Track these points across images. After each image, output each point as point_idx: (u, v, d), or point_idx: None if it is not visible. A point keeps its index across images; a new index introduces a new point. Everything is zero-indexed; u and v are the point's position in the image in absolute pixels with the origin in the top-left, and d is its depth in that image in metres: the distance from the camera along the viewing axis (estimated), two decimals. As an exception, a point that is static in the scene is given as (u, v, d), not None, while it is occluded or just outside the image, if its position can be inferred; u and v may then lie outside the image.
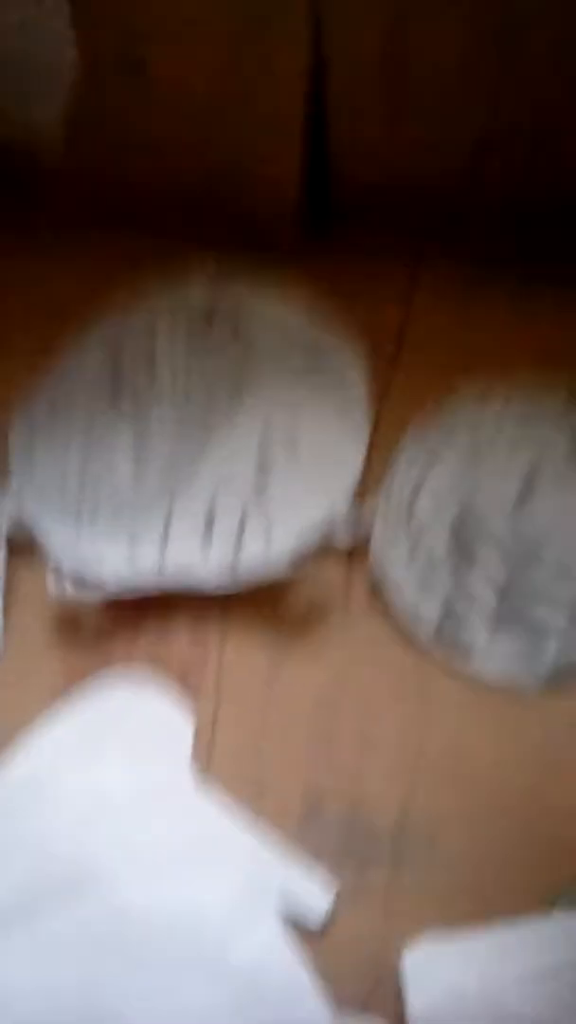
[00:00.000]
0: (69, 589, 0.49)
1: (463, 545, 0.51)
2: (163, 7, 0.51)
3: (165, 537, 0.52)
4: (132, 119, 0.55)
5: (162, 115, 0.55)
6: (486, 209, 0.57)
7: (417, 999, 0.44)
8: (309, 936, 0.46)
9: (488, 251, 0.57)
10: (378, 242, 0.57)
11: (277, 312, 0.55)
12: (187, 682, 0.50)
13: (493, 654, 0.49)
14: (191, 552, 0.51)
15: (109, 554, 0.51)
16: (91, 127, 0.56)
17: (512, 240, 0.57)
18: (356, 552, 0.51)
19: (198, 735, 0.48)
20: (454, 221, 0.57)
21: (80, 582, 0.50)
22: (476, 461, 0.52)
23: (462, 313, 0.56)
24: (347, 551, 0.51)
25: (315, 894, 0.46)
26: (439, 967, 0.45)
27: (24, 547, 0.52)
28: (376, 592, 0.51)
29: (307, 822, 0.47)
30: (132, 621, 0.51)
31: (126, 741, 0.48)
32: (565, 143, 0.54)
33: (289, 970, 0.45)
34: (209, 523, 0.52)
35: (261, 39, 0.51)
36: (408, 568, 0.50)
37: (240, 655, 0.50)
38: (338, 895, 0.46)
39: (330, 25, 0.50)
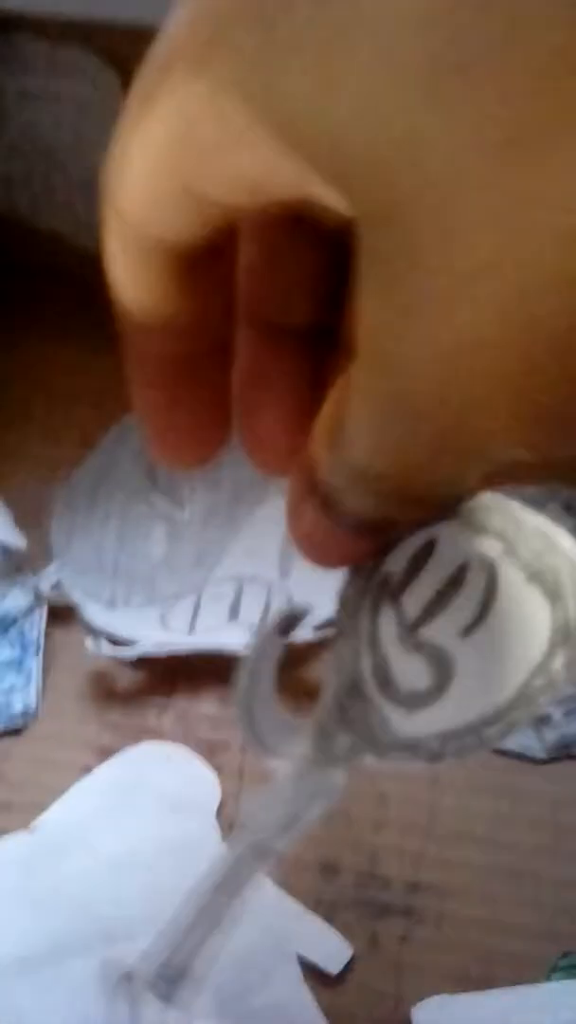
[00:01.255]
0: (105, 648, 0.53)
1: (475, 620, 0.54)
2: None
3: (195, 615, 0.55)
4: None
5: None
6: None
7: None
8: (325, 987, 0.48)
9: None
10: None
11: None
12: (214, 742, 0.53)
13: (503, 722, 0.52)
14: (219, 624, 0.54)
15: (142, 624, 0.54)
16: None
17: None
18: (375, 625, 0.54)
19: (225, 791, 0.51)
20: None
21: (115, 643, 0.53)
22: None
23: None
24: (366, 624, 0.54)
25: (331, 947, 0.49)
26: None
27: (63, 615, 0.55)
28: (393, 663, 0.54)
29: (325, 877, 0.50)
30: (163, 687, 0.54)
31: (157, 798, 0.51)
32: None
33: (307, 1018, 0.47)
34: (236, 603, 0.55)
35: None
36: (424, 640, 0.54)
37: (265, 719, 0.53)
38: (353, 948, 0.49)
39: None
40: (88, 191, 0.59)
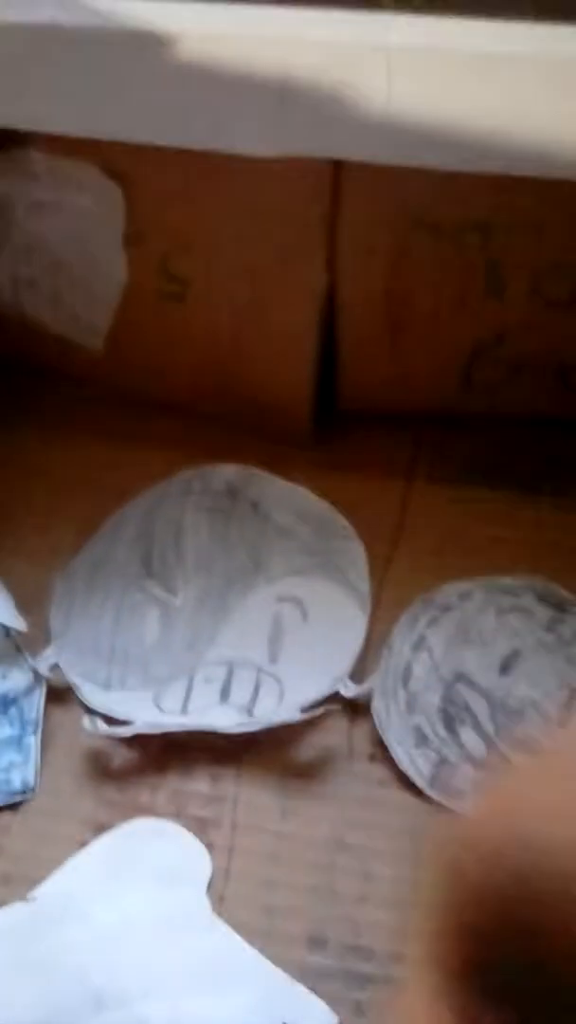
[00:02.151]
0: (101, 727, 0.55)
1: (455, 701, 0.56)
2: (202, 251, 0.60)
3: (187, 696, 0.57)
4: (167, 338, 0.64)
5: (194, 337, 0.64)
6: (479, 419, 0.65)
7: None
8: (312, 1055, 0.50)
9: (480, 454, 0.65)
10: (380, 438, 0.65)
11: (291, 493, 0.63)
12: (205, 819, 0.55)
13: (482, 801, 0.55)
14: (211, 704, 0.57)
15: (136, 705, 0.57)
16: (130, 340, 0.64)
17: (501, 447, 0.65)
18: (359, 706, 0.57)
19: (215, 866, 0.53)
20: (451, 425, 0.65)
21: (110, 722, 0.55)
22: (465, 636, 0.58)
23: (454, 507, 0.63)
24: (351, 705, 0.57)
25: (317, 1016, 0.50)
26: None
27: (61, 695, 0.57)
28: (376, 742, 0.56)
29: (311, 949, 0.52)
30: (157, 765, 0.56)
31: (150, 869, 0.53)
32: (541, 365, 0.62)
33: None
34: (227, 685, 0.58)
35: (281, 274, 0.60)
36: (405, 721, 0.56)
37: (254, 796, 0.55)
38: (338, 1017, 0.50)
39: (341, 261, 0.59)
40: (90, 296, 0.63)
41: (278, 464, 0.64)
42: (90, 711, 0.57)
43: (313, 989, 0.51)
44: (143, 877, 0.53)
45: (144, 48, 0.52)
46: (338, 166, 0.56)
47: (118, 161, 0.58)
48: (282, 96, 0.51)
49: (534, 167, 0.52)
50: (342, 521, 0.62)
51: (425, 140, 0.51)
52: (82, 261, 0.61)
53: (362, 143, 0.51)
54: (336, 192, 0.57)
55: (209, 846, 0.54)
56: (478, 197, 0.56)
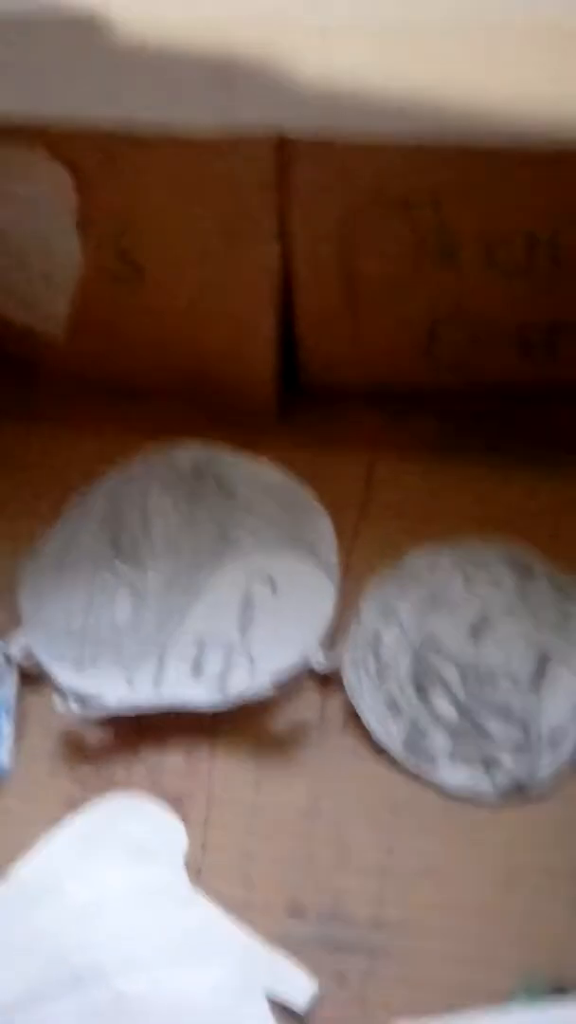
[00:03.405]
0: (73, 708, 0.55)
1: (426, 668, 0.57)
2: (154, 233, 0.60)
3: (159, 674, 0.58)
4: (127, 321, 0.64)
5: (152, 319, 0.63)
6: (441, 391, 0.65)
7: (392, 1080, 0.49)
8: (293, 1022, 0.50)
9: (445, 425, 0.65)
10: (346, 413, 0.65)
11: (256, 469, 0.63)
12: (180, 793, 0.55)
13: (455, 766, 0.55)
14: (183, 681, 0.57)
15: (109, 684, 0.57)
16: (89, 325, 0.64)
17: (464, 417, 0.65)
18: (330, 677, 0.57)
19: (191, 839, 0.54)
20: (414, 398, 0.66)
21: (83, 702, 0.56)
22: (434, 604, 0.59)
23: (420, 478, 0.63)
24: (322, 677, 0.57)
25: (298, 985, 0.51)
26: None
27: (34, 678, 0.58)
28: (349, 712, 0.57)
29: (291, 917, 0.52)
30: (131, 743, 0.56)
31: (125, 845, 0.53)
32: (499, 333, 0.63)
33: (276, 1053, 0.49)
34: (198, 661, 0.58)
35: (234, 252, 0.60)
36: (377, 690, 0.56)
37: (228, 769, 0.55)
38: (319, 984, 0.51)
39: (293, 237, 0.59)
40: (48, 283, 0.63)
41: (244, 443, 0.64)
42: (62, 693, 0.57)
43: (293, 958, 0.51)
44: (119, 853, 0.53)
45: (86, 31, 0.52)
46: (284, 142, 0.56)
47: (65, 147, 0.58)
48: (223, 72, 0.52)
49: (476, 135, 0.52)
50: (309, 495, 0.62)
51: (366, 110, 0.51)
52: (37, 249, 0.61)
53: (303, 116, 0.51)
54: (284, 168, 0.57)
55: (185, 820, 0.54)
56: (427, 167, 0.56)
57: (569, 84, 0.51)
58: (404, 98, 0.52)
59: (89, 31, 0.52)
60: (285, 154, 0.56)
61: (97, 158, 0.58)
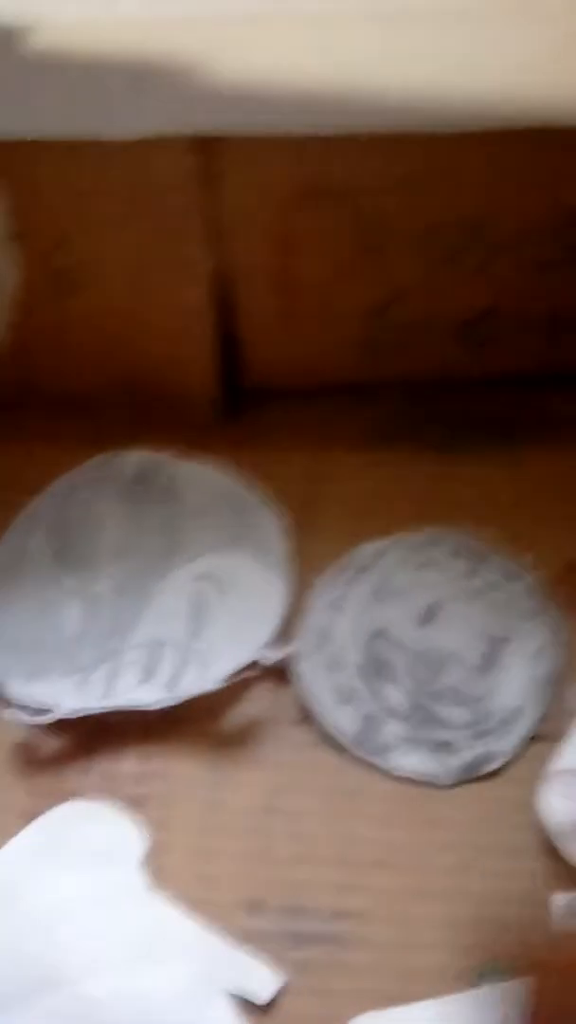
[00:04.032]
0: (25, 718, 0.55)
1: (376, 658, 0.57)
2: (88, 242, 0.60)
3: (111, 680, 0.58)
4: (67, 330, 0.64)
5: (92, 328, 0.64)
6: (382, 383, 0.66)
7: (357, 1070, 0.48)
8: (257, 1017, 0.50)
9: (388, 418, 0.65)
10: (288, 411, 0.65)
11: (201, 472, 0.63)
12: (137, 796, 0.55)
13: (408, 752, 0.55)
14: (135, 686, 0.57)
15: (61, 693, 0.57)
16: (29, 336, 0.64)
17: (406, 408, 0.65)
18: (283, 672, 0.57)
19: (149, 841, 0.53)
20: (356, 391, 0.66)
21: (35, 712, 0.56)
22: (383, 594, 0.59)
23: (365, 472, 0.64)
24: (275, 672, 0.57)
25: (261, 979, 0.50)
26: (376, 1041, 0.49)
27: (-16, 691, 0.58)
28: (302, 705, 0.57)
29: (251, 913, 0.52)
30: (85, 750, 0.56)
31: (82, 851, 0.53)
32: (436, 323, 0.63)
33: (242, 1048, 0.49)
34: (150, 665, 0.58)
35: (168, 255, 0.60)
36: (328, 681, 0.56)
37: (184, 770, 0.55)
38: (283, 977, 0.50)
39: (225, 237, 0.59)
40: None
41: (189, 446, 0.64)
42: (13, 704, 0.57)
43: (256, 952, 0.51)
44: (77, 859, 0.53)
45: (2, 41, 0.52)
46: (207, 142, 0.56)
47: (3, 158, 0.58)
48: (137, 77, 0.52)
49: (403, 124, 0.52)
50: (255, 495, 0.62)
51: (282, 107, 0.51)
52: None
53: (219, 116, 0.52)
54: (209, 168, 0.57)
55: (142, 822, 0.54)
56: (353, 160, 0.56)
57: (489, 68, 0.51)
58: (324, 91, 0.52)
59: (4, 41, 0.52)
60: (209, 154, 0.56)
61: (26, 170, 0.58)
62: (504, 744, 0.55)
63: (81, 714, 0.55)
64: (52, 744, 0.56)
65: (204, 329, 0.63)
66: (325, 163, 0.56)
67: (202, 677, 0.57)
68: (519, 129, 0.50)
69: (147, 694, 0.56)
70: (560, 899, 0.50)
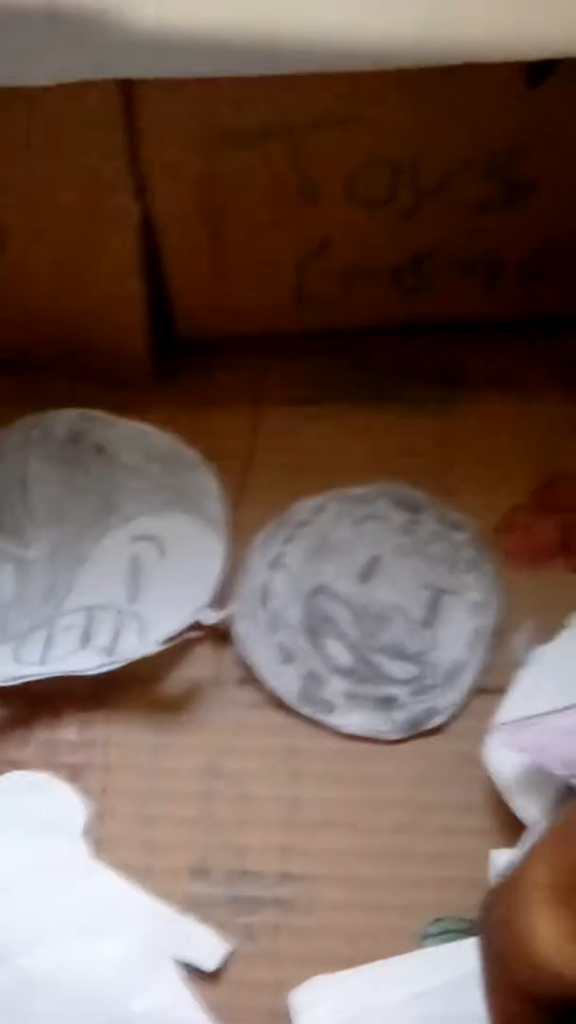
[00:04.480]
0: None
1: (317, 614, 0.56)
2: (11, 196, 0.58)
3: (47, 647, 0.56)
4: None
5: (18, 286, 0.62)
6: (316, 333, 0.64)
7: (307, 1033, 0.48)
8: (205, 985, 0.49)
9: (324, 370, 0.64)
10: (223, 365, 0.64)
11: (135, 431, 0.61)
12: (77, 765, 0.54)
13: (353, 709, 0.54)
14: (72, 651, 0.56)
15: (-4, 660, 0.56)
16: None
17: (342, 359, 0.64)
18: (223, 633, 0.56)
19: (90, 809, 0.52)
20: (289, 343, 0.64)
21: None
22: (322, 550, 0.58)
23: (302, 425, 0.62)
24: (215, 634, 0.56)
25: (208, 945, 0.50)
26: (324, 1002, 0.48)
27: None
28: (244, 666, 0.56)
29: (196, 879, 0.51)
30: (23, 719, 0.55)
31: (22, 822, 0.52)
32: (368, 269, 0.61)
33: (190, 1015, 0.48)
34: (87, 631, 0.57)
35: (93, 207, 0.58)
36: (269, 641, 0.55)
37: (124, 736, 0.54)
38: (229, 944, 0.50)
39: (151, 186, 0.58)
40: None
41: (123, 406, 0.62)
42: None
43: (202, 919, 0.50)
44: (15, 832, 0.52)
45: None
46: (128, 87, 0.54)
47: None
48: (50, 22, 0.50)
49: (326, 62, 0.51)
50: (191, 453, 0.61)
51: (197, 49, 0.49)
52: None
53: (134, 60, 0.50)
54: (131, 114, 0.55)
55: (83, 791, 0.53)
56: (276, 101, 0.54)
57: (416, 5, 0.50)
58: (242, 33, 0.50)
59: None
60: (131, 100, 0.54)
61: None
62: (448, 698, 0.54)
63: (18, 682, 0.54)
64: (-11, 716, 0.56)
65: (133, 283, 0.61)
66: (247, 105, 0.55)
67: (141, 641, 0.56)
68: (443, 66, 0.49)
69: (85, 660, 0.55)
70: (500, 855, 0.50)
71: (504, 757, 0.51)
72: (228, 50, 0.50)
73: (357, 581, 0.57)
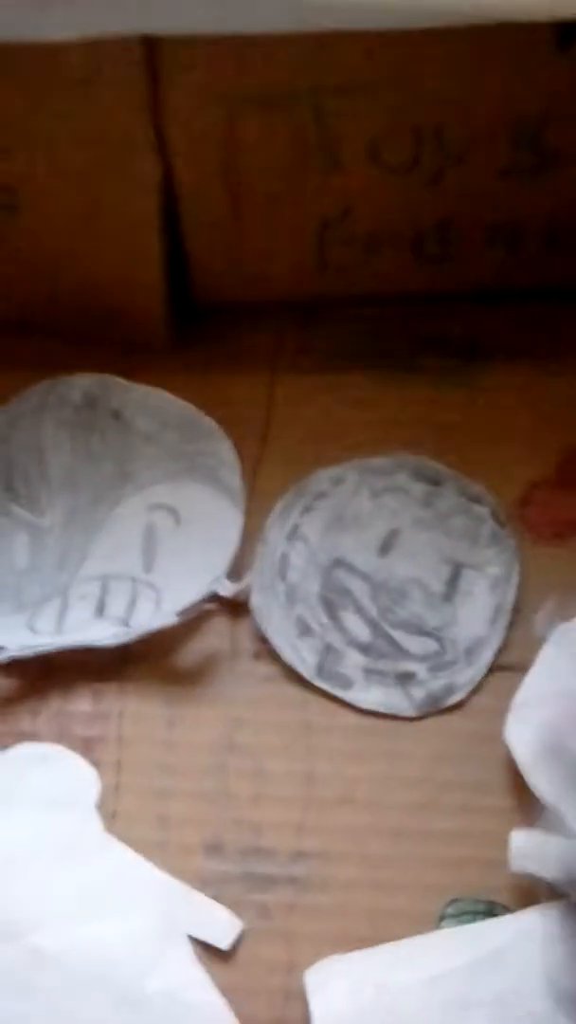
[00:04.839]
0: (-28, 656, 0.53)
1: (336, 587, 0.55)
2: (28, 156, 0.56)
3: (62, 616, 0.56)
4: (6, 253, 0.61)
5: (34, 248, 0.60)
6: (337, 301, 0.63)
7: (320, 1013, 0.47)
8: (218, 963, 0.49)
9: (343, 338, 0.63)
10: (241, 332, 0.63)
11: (152, 397, 0.60)
12: (90, 738, 0.53)
13: (371, 684, 0.53)
14: (87, 621, 0.55)
15: (10, 631, 0.55)
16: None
17: (362, 327, 0.63)
18: (239, 605, 0.55)
19: (104, 783, 0.52)
20: (309, 311, 0.63)
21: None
22: (341, 521, 0.57)
23: (321, 394, 0.61)
24: (231, 605, 0.55)
25: (221, 924, 0.49)
26: (339, 982, 0.48)
27: None
28: (260, 639, 0.55)
29: (210, 856, 0.51)
30: (36, 690, 0.54)
31: (34, 797, 0.51)
32: (391, 236, 0.60)
33: (202, 995, 0.48)
34: (102, 601, 0.56)
35: (112, 169, 0.57)
36: (287, 613, 0.55)
37: (139, 709, 0.54)
38: (243, 922, 0.49)
39: (172, 147, 0.56)
40: None
41: (138, 370, 0.61)
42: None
43: (215, 896, 0.50)
44: (29, 805, 0.51)
45: None
46: (153, 47, 0.53)
47: None
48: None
49: (351, 23, 0.49)
50: (207, 421, 0.60)
51: (222, 4, 0.48)
52: None
53: (158, 15, 0.49)
54: (155, 75, 0.54)
55: (97, 764, 0.52)
56: (301, 63, 0.53)
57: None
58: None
59: None
60: (156, 60, 0.53)
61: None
62: (468, 675, 0.53)
63: (32, 652, 0.54)
64: (2, 685, 0.54)
65: (152, 246, 0.60)
66: (272, 66, 0.53)
67: (157, 612, 0.55)
68: (472, 27, 0.47)
69: (100, 630, 0.55)
70: (519, 836, 0.49)
71: (524, 735, 0.50)
72: (253, 6, 0.49)
73: (376, 554, 0.56)
